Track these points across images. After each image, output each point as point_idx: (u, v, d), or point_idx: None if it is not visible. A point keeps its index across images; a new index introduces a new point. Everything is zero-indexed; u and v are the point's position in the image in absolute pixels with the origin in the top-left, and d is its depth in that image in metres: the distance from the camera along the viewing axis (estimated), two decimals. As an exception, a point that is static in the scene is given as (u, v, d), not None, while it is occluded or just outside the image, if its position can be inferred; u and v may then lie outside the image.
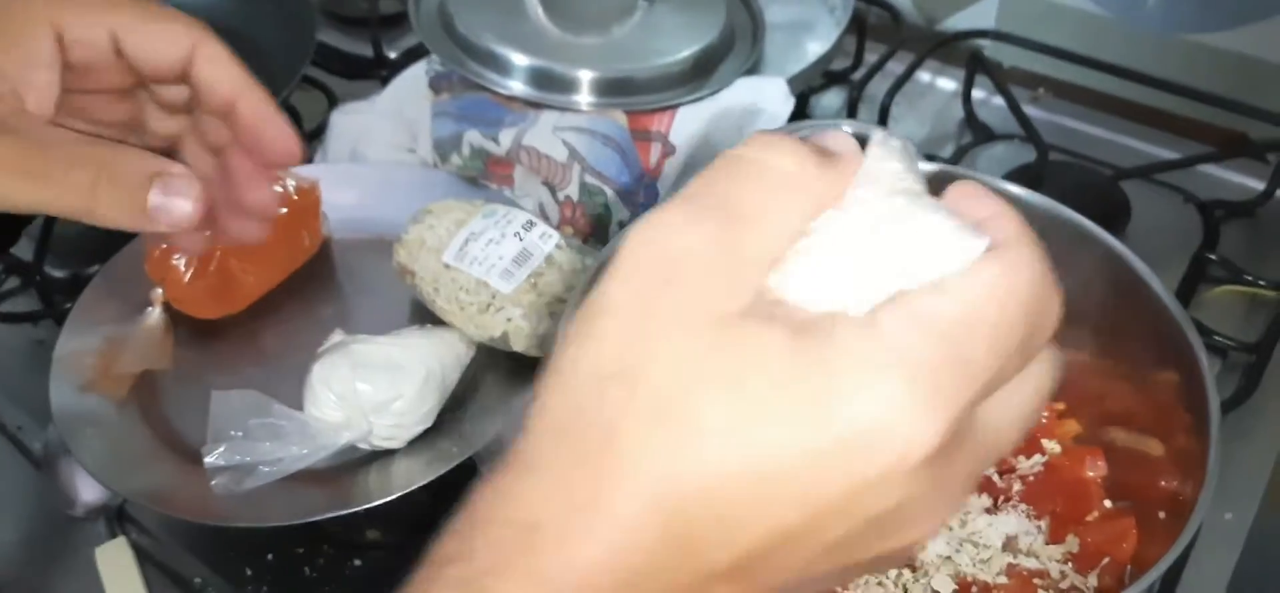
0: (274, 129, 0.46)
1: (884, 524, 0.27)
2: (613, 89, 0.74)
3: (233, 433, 0.57)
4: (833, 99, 0.89)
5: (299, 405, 0.59)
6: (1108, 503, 0.56)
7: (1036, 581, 0.52)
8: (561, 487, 0.27)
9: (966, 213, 0.29)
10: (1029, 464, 0.57)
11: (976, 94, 0.86)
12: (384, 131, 0.78)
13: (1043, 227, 0.56)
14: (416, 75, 0.79)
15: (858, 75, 0.87)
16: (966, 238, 0.27)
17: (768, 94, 0.74)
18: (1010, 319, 0.27)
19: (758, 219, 0.28)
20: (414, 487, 0.58)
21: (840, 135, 0.30)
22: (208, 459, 0.57)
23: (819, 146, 0.29)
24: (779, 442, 0.25)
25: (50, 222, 0.79)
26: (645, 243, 0.28)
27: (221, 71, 0.44)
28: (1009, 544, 0.53)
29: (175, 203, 0.40)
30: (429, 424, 0.60)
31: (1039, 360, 0.29)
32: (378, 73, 0.89)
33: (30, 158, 0.38)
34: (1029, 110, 0.84)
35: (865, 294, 0.27)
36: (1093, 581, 0.52)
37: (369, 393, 0.58)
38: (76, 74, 0.43)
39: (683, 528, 0.26)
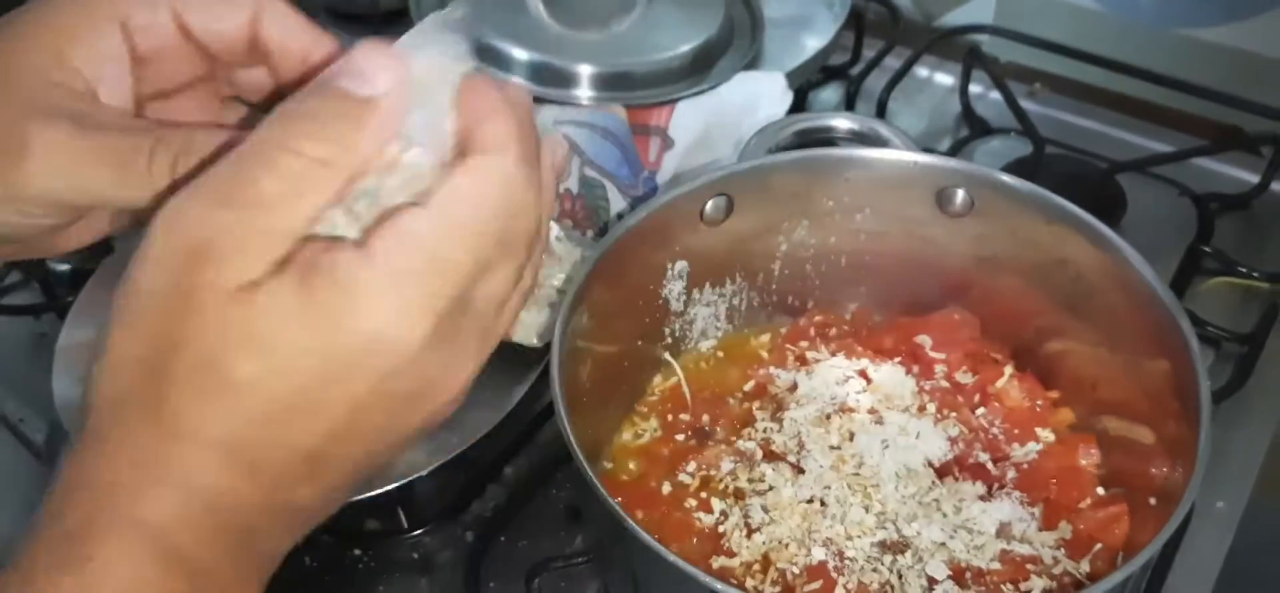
0: None
1: (415, 397, 0.34)
2: (612, 83, 0.74)
3: None
4: (831, 94, 0.90)
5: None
6: (1100, 490, 0.56)
7: (1030, 566, 0.52)
8: (127, 452, 0.32)
9: (471, 107, 0.36)
10: (1023, 452, 0.58)
11: (973, 89, 0.86)
12: (385, 126, 0.78)
13: (1038, 218, 0.58)
14: (417, 70, 0.80)
15: (856, 70, 0.88)
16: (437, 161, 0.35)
17: (766, 88, 0.75)
18: (483, 221, 0.34)
19: (278, 205, 0.32)
20: (414, 477, 0.58)
21: (386, 69, 0.34)
22: None
23: (353, 110, 0.33)
24: (306, 371, 0.32)
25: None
26: (172, 230, 0.32)
27: (290, 27, 0.41)
28: (1003, 531, 0.54)
29: None
30: (427, 414, 0.61)
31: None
32: (378, 68, 0.90)
33: (116, 147, 0.37)
34: (1025, 104, 0.84)
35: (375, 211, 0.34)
36: (1085, 566, 0.53)
37: None
38: (148, 68, 0.41)
39: (253, 459, 0.32)
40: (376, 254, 0.32)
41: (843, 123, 0.67)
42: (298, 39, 0.41)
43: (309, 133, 0.33)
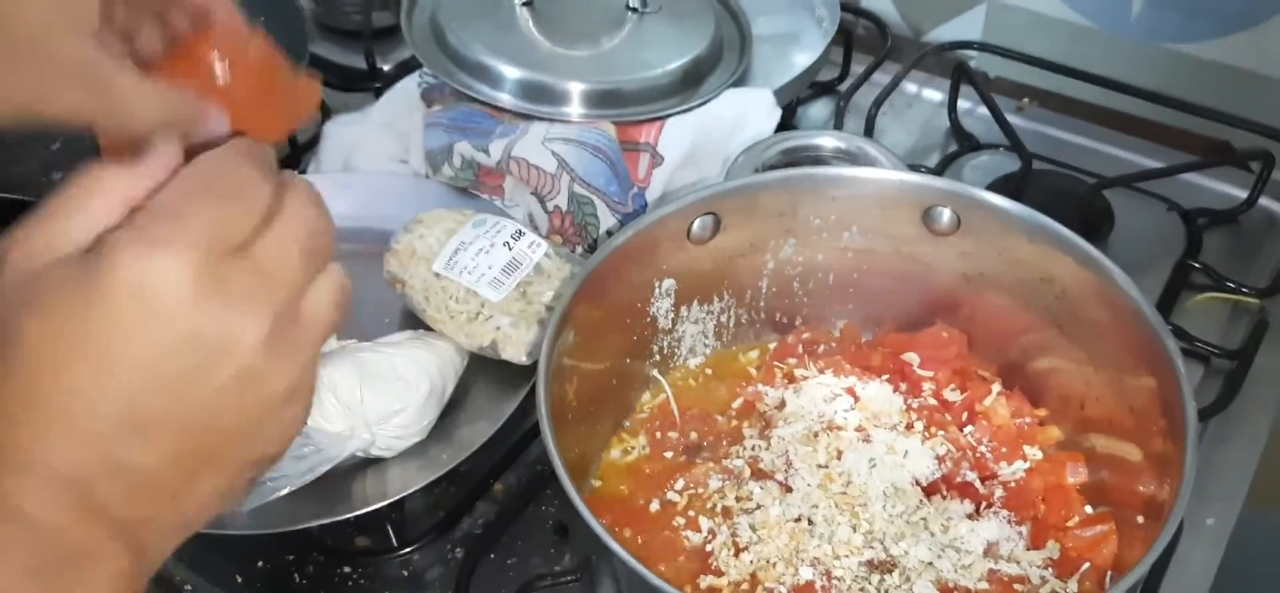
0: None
1: (209, 349, 0.34)
2: (602, 101, 0.74)
3: None
4: (820, 109, 0.90)
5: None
6: (1088, 509, 0.56)
7: (1017, 586, 0.52)
8: None
9: None
10: (1010, 470, 0.58)
11: (962, 104, 0.87)
12: (377, 142, 0.79)
13: (1023, 236, 0.58)
14: (409, 87, 0.80)
15: (845, 86, 0.88)
16: None
17: (754, 105, 0.75)
18: (209, 177, 0.36)
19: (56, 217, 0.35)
20: (406, 493, 0.59)
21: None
22: None
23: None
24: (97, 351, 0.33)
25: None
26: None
27: None
28: (990, 550, 0.54)
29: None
30: (425, 435, 0.61)
31: (328, 275, 0.38)
32: (371, 85, 0.90)
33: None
34: (1013, 120, 0.84)
35: None
36: (1073, 586, 0.53)
37: (375, 404, 0.58)
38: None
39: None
40: (131, 220, 0.35)
41: (828, 141, 0.67)
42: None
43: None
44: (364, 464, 0.60)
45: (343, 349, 0.61)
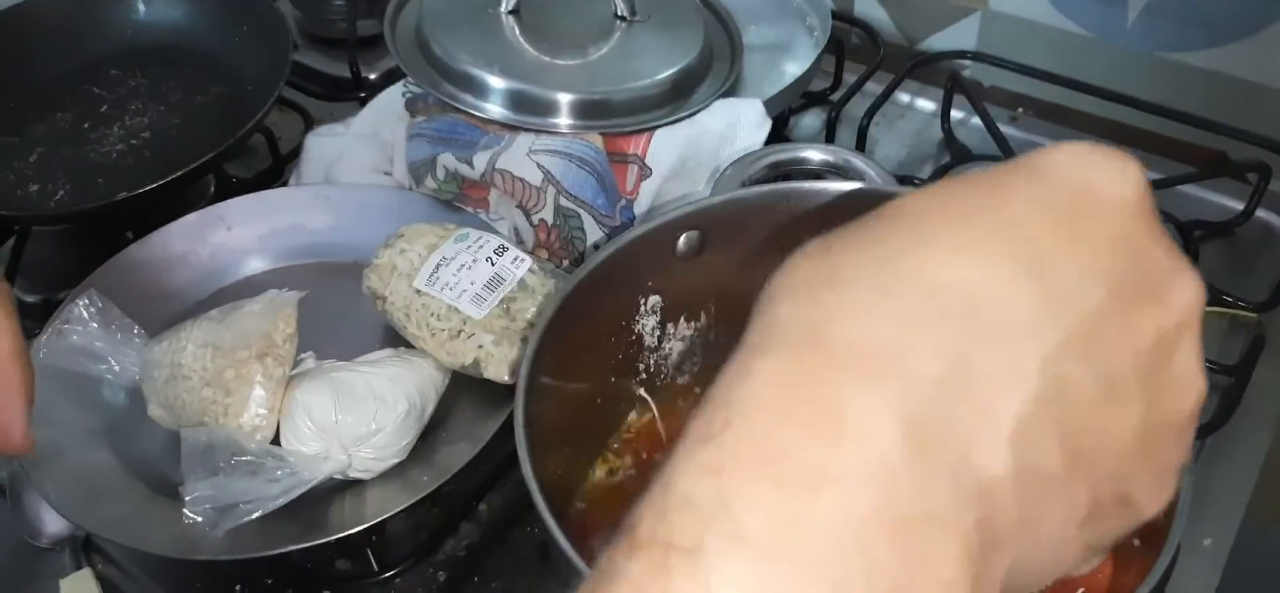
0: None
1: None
2: (589, 111, 0.73)
3: (207, 473, 0.56)
4: (812, 119, 0.89)
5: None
6: (1083, 531, 0.55)
7: (1010, 612, 0.51)
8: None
9: None
10: (1003, 492, 0.56)
11: (955, 114, 0.85)
12: (359, 154, 0.77)
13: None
14: (393, 97, 0.79)
15: (836, 96, 0.86)
16: None
17: (744, 116, 0.74)
18: None
19: None
20: (386, 516, 0.57)
21: None
22: (187, 500, 0.55)
23: None
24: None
25: (21, 246, 0.78)
26: None
27: None
28: (982, 575, 0.52)
29: None
30: (405, 457, 0.60)
31: None
32: (356, 94, 0.89)
33: None
34: (1007, 130, 0.83)
35: None
36: (1067, 612, 0.51)
37: (350, 425, 0.57)
38: None
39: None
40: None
41: (815, 154, 0.66)
42: None
43: None
44: (343, 487, 0.59)
45: (319, 369, 0.60)
